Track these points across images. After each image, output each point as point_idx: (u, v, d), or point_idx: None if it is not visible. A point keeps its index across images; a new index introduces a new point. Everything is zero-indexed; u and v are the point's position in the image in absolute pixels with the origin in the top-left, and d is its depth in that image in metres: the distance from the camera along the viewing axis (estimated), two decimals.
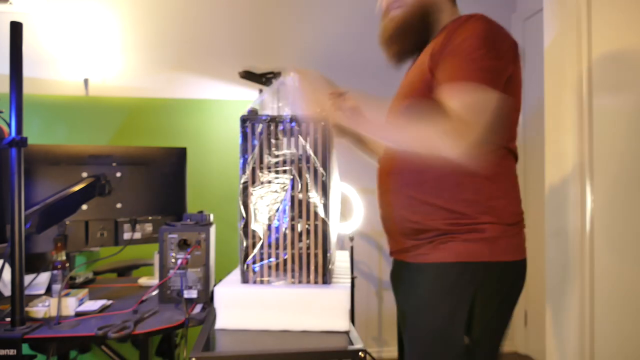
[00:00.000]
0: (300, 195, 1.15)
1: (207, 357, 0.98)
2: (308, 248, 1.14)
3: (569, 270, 1.80)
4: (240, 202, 1.15)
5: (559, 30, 1.87)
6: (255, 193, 1.16)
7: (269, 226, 1.16)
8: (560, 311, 1.85)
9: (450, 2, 1.18)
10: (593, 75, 1.76)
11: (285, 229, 1.16)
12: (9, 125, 1.19)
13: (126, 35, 2.81)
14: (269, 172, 1.16)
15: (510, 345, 3.08)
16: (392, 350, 2.99)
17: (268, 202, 1.16)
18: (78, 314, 1.31)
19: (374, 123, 1.10)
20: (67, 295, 1.34)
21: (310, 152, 1.15)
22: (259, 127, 1.16)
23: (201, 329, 1.14)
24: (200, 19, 2.88)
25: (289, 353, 0.99)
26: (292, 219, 1.15)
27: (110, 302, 1.42)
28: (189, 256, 1.38)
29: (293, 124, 1.16)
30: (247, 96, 2.89)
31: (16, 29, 1.21)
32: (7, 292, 1.49)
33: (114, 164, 1.62)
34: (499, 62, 1.00)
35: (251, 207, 1.15)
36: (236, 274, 1.25)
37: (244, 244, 1.15)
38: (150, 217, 1.67)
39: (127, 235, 1.63)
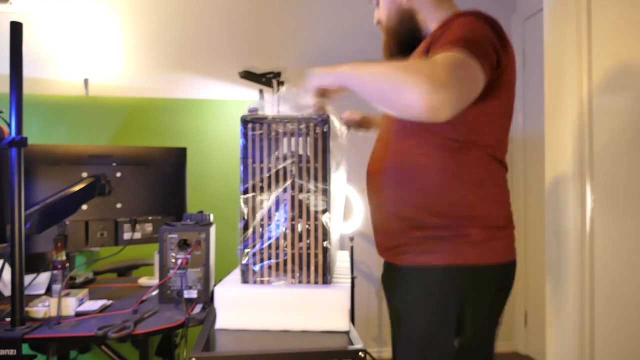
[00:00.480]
0: (301, 196, 1.15)
1: (207, 357, 0.98)
2: (308, 248, 1.14)
3: (569, 270, 1.80)
4: (241, 202, 1.15)
5: (559, 30, 1.87)
6: (256, 193, 1.16)
7: (269, 226, 1.16)
8: (560, 311, 1.85)
9: (432, 2, 1.15)
10: (593, 75, 1.76)
11: (285, 229, 1.16)
12: (9, 125, 1.19)
13: (126, 35, 2.81)
14: (269, 172, 1.16)
15: (510, 345, 3.08)
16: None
17: (268, 202, 1.16)
18: (78, 314, 1.31)
19: (354, 70, 1.04)
20: (67, 295, 1.34)
21: (311, 152, 1.15)
22: (260, 127, 1.16)
23: (201, 329, 1.14)
24: (200, 19, 2.88)
25: (289, 353, 0.99)
26: (292, 219, 1.15)
27: (110, 302, 1.42)
28: (189, 256, 1.38)
29: (294, 123, 1.16)
30: (247, 96, 2.89)
31: (16, 29, 1.21)
32: (7, 292, 1.49)
33: (114, 164, 1.62)
34: (489, 45, 0.97)
35: (251, 206, 1.16)
36: (236, 274, 1.25)
37: (244, 244, 1.15)
38: (150, 217, 1.67)
39: (127, 235, 1.63)
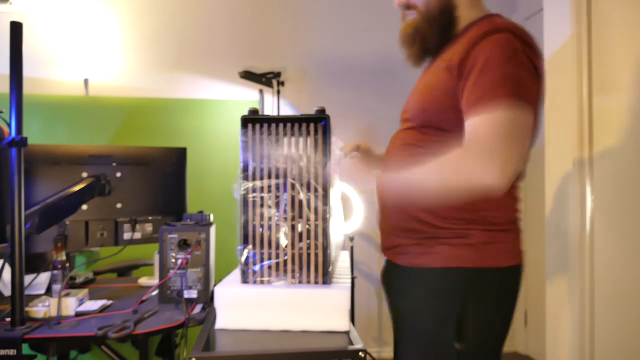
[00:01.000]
0: (301, 195, 1.15)
1: (207, 357, 0.98)
2: (308, 248, 1.14)
3: (569, 270, 1.80)
4: (241, 202, 1.15)
5: (559, 30, 1.87)
6: (256, 193, 1.16)
7: (269, 226, 1.16)
8: (560, 311, 1.85)
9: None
10: (593, 75, 1.76)
11: (285, 229, 1.16)
12: (9, 125, 1.19)
13: (126, 35, 2.81)
14: (270, 172, 1.16)
15: (510, 345, 3.08)
16: (392, 351, 2.99)
17: (268, 202, 1.16)
18: (78, 314, 1.31)
19: (404, 180, 1.04)
20: (67, 295, 1.34)
21: (311, 152, 1.15)
22: (260, 127, 1.16)
23: (201, 329, 1.14)
24: (200, 19, 2.88)
25: (289, 353, 0.99)
26: (292, 219, 1.15)
27: (110, 302, 1.42)
28: (189, 256, 1.37)
29: (294, 124, 1.16)
30: (247, 96, 2.89)
31: (16, 29, 1.21)
32: (7, 292, 1.49)
33: (114, 164, 1.62)
34: (525, 72, 0.94)
35: (251, 207, 1.16)
36: (236, 274, 1.25)
37: (244, 244, 1.15)
38: (150, 217, 1.67)
39: (127, 235, 1.63)
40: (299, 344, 1.02)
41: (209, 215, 1.49)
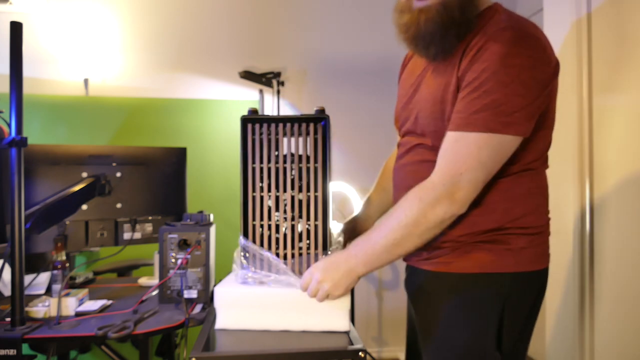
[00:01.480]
0: (301, 195, 1.15)
1: (207, 357, 0.98)
2: (308, 248, 1.14)
3: (569, 270, 1.80)
4: (241, 202, 1.15)
5: (559, 30, 1.87)
6: (256, 193, 1.16)
7: (269, 226, 1.16)
8: (560, 311, 1.85)
9: None
10: (593, 75, 1.76)
11: (285, 229, 1.16)
12: (9, 125, 1.19)
13: (126, 35, 2.81)
14: (270, 172, 1.16)
15: None
16: (392, 350, 2.99)
17: (268, 202, 1.16)
18: (78, 314, 1.31)
19: (374, 243, 1.01)
20: (67, 295, 1.34)
21: (311, 152, 1.15)
22: (260, 127, 1.16)
23: (201, 329, 1.14)
24: (200, 19, 2.88)
25: (289, 353, 0.99)
26: (292, 219, 1.15)
27: (110, 302, 1.42)
28: (189, 256, 1.37)
29: (294, 124, 1.16)
30: (247, 96, 2.89)
31: (16, 29, 1.21)
32: (7, 292, 1.49)
33: (114, 164, 1.62)
34: (521, 88, 0.90)
35: (251, 207, 1.16)
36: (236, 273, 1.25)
37: (244, 243, 1.15)
38: (150, 217, 1.67)
39: (127, 235, 1.63)
40: (299, 344, 1.02)
41: (209, 215, 1.49)
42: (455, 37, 0.97)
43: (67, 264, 1.39)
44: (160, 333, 1.21)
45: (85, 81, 2.74)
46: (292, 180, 1.16)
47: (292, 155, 1.17)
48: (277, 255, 1.14)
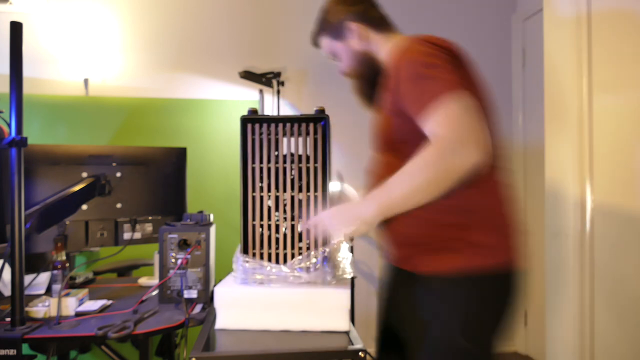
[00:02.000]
0: (300, 195, 1.15)
1: (207, 357, 0.98)
2: (308, 248, 1.14)
3: (569, 270, 1.80)
4: (241, 202, 1.15)
5: (559, 30, 1.87)
6: (256, 193, 1.16)
7: (269, 226, 1.16)
8: (560, 311, 1.85)
9: (378, 36, 1.20)
10: (593, 75, 1.76)
11: (285, 229, 1.16)
12: (9, 125, 1.19)
13: (126, 35, 2.81)
14: (269, 172, 1.16)
15: (510, 345, 3.08)
16: None
17: (268, 201, 1.16)
18: (78, 314, 1.31)
19: (390, 191, 1.02)
20: (67, 295, 1.34)
21: (311, 152, 1.15)
22: (260, 127, 1.16)
23: (201, 329, 1.14)
24: (200, 19, 2.88)
25: (289, 353, 0.99)
26: (292, 219, 1.15)
27: (110, 302, 1.42)
28: (189, 256, 1.37)
29: (294, 124, 1.16)
30: (247, 96, 2.89)
31: (16, 29, 1.21)
32: (7, 292, 1.49)
33: (114, 164, 1.62)
34: (443, 64, 0.99)
35: (251, 206, 1.16)
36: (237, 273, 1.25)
37: (245, 243, 1.15)
38: (150, 217, 1.67)
39: (127, 235, 1.63)
40: (299, 344, 1.02)
41: (209, 215, 1.49)
42: (372, 85, 1.22)
43: (67, 264, 1.39)
44: (160, 333, 1.21)
45: (85, 81, 2.74)
46: (292, 180, 1.16)
47: (292, 155, 1.17)
48: (277, 255, 1.14)
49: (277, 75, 2.81)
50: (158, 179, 1.70)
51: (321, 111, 1.16)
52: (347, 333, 1.08)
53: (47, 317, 1.29)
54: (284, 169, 1.16)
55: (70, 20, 2.73)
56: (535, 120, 2.93)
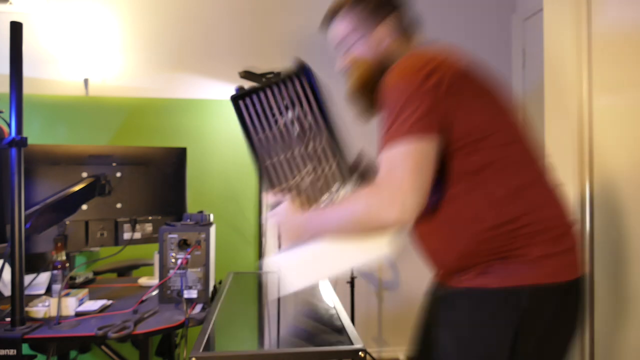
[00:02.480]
0: (310, 147, 1.14)
1: (207, 357, 0.98)
2: (337, 190, 1.13)
3: None
4: (258, 174, 1.13)
5: (559, 30, 1.87)
6: (269, 163, 1.14)
7: (291, 187, 1.13)
8: None
9: (402, 44, 1.15)
10: (593, 75, 1.76)
11: (306, 184, 1.14)
12: (9, 125, 1.19)
13: (126, 35, 2.81)
14: (276, 138, 1.14)
15: None
16: (392, 350, 2.99)
17: (285, 166, 1.14)
18: (78, 314, 1.31)
19: (322, 223, 1.07)
20: (67, 295, 1.34)
21: (305, 105, 1.14)
22: (251, 101, 1.15)
23: (201, 329, 1.14)
24: (200, 19, 2.88)
25: (289, 353, 0.99)
26: (310, 171, 1.14)
27: (110, 302, 1.42)
28: (189, 256, 1.37)
29: (279, 86, 1.15)
30: None
31: (16, 29, 1.21)
32: (7, 292, 1.49)
33: (114, 164, 1.62)
34: (421, 100, 0.95)
35: (268, 177, 1.14)
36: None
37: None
38: (150, 217, 1.67)
39: (127, 235, 1.63)
40: (298, 344, 1.02)
41: (209, 215, 1.49)
42: (371, 96, 1.18)
43: (67, 264, 1.39)
44: (160, 333, 1.21)
45: (85, 81, 2.74)
46: (299, 136, 1.14)
47: (290, 110, 1.15)
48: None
49: (277, 75, 2.81)
50: (158, 179, 1.70)
51: (299, 63, 1.16)
52: (346, 333, 1.08)
53: (47, 317, 1.29)
54: (287, 129, 1.14)
55: (70, 20, 2.73)
56: (535, 120, 2.93)
